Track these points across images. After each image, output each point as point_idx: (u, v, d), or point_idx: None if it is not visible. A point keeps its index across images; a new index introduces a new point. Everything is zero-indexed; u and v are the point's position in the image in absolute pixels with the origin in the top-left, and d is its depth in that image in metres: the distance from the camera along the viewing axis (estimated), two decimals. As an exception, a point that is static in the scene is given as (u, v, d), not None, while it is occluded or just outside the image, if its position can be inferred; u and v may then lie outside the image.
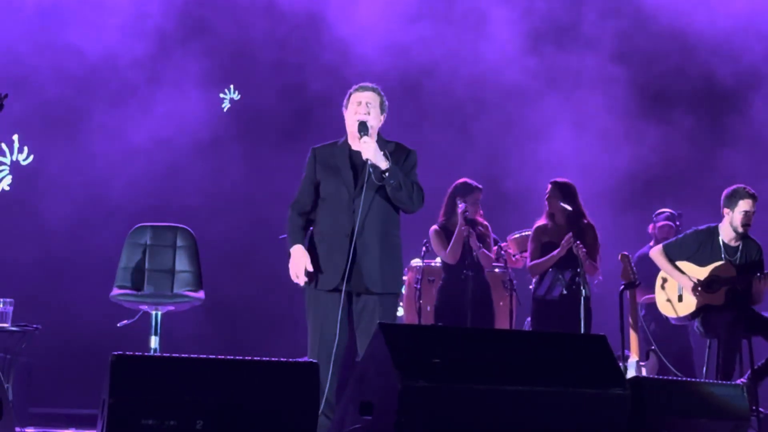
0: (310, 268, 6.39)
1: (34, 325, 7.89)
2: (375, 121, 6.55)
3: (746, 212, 8.38)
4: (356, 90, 6.64)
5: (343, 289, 6.33)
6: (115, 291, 8.02)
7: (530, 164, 11.27)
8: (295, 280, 6.43)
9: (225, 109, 11.43)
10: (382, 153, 6.38)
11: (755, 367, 8.21)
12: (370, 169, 6.36)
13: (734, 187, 8.53)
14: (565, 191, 9.04)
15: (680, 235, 8.93)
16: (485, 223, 9.39)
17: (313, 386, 5.09)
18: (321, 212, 6.54)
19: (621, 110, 11.67)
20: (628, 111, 11.72)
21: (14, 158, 10.78)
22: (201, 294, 8.09)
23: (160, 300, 7.95)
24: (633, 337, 9.03)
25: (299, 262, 6.41)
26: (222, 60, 11.38)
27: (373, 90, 6.62)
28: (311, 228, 6.63)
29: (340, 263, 6.36)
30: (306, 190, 6.60)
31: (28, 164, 10.75)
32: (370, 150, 6.36)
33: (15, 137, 10.75)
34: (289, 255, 6.47)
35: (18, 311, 7.85)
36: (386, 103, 6.66)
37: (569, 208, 8.93)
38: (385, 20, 11.30)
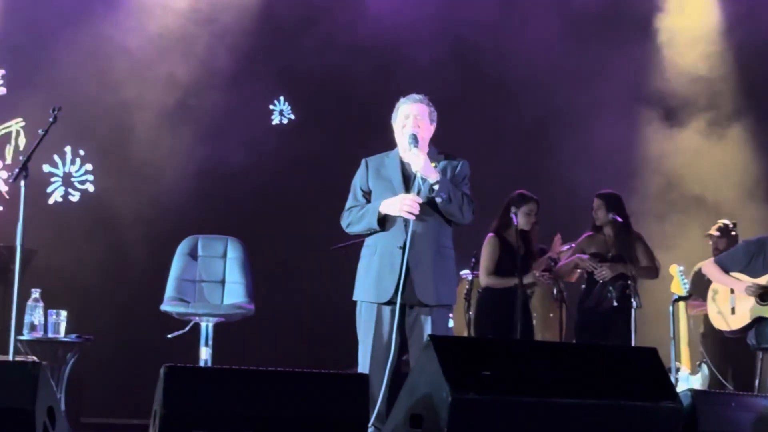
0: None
1: (87, 336, 7.94)
2: (425, 133, 6.57)
3: None
4: (404, 102, 6.65)
5: (398, 301, 6.34)
6: (166, 302, 8.06)
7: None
8: (413, 204, 6.33)
9: (273, 122, 11.46)
10: (432, 165, 6.40)
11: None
12: (420, 182, 6.37)
13: None
14: (613, 203, 9.00)
15: (731, 249, 8.87)
16: (535, 236, 9.29)
17: (363, 398, 5.09)
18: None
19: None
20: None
21: (66, 170, 10.86)
22: (251, 305, 8.11)
23: (211, 311, 7.98)
24: (684, 350, 8.97)
25: (397, 199, 6.37)
26: (274, 70, 11.39)
27: (421, 101, 6.63)
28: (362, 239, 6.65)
29: (392, 276, 6.36)
30: (357, 200, 6.62)
31: (83, 176, 10.83)
32: (419, 162, 6.37)
33: (67, 149, 10.83)
34: (379, 221, 6.42)
35: (71, 322, 7.91)
36: (435, 113, 6.67)
37: (620, 219, 8.89)
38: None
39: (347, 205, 6.65)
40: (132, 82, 10.86)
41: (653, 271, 8.92)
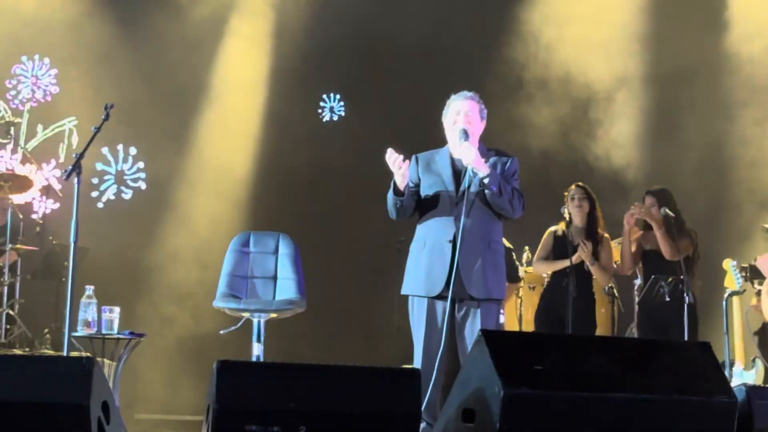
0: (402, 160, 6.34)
1: (140, 333, 7.99)
2: (475, 128, 6.60)
3: None
4: (455, 99, 6.70)
5: (449, 295, 6.35)
6: (218, 299, 8.09)
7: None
8: (397, 163, 6.33)
9: (324, 119, 11.47)
10: (483, 160, 6.40)
11: None
12: (471, 174, 6.38)
13: None
14: (665, 198, 8.94)
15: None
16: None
17: (415, 393, 5.09)
18: (422, 218, 6.57)
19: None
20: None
21: (119, 167, 10.95)
22: (303, 301, 8.12)
23: (263, 307, 8.00)
24: (738, 345, 8.90)
25: (390, 160, 6.35)
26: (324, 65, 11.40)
27: (472, 98, 6.68)
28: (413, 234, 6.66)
29: (443, 269, 6.38)
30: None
31: (135, 174, 10.90)
32: (471, 155, 6.39)
33: (120, 146, 10.91)
34: (395, 185, 6.43)
35: (124, 318, 7.97)
36: (485, 110, 6.72)
37: (672, 214, 8.82)
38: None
39: None
40: (183, 78, 10.91)
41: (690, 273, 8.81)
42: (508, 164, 6.61)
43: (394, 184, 6.45)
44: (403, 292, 6.62)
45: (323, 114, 11.50)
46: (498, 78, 11.06)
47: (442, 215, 6.48)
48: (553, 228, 8.98)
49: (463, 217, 6.37)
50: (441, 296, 6.40)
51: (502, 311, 9.41)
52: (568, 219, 8.69)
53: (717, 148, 11.10)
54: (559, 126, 11.32)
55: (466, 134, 6.48)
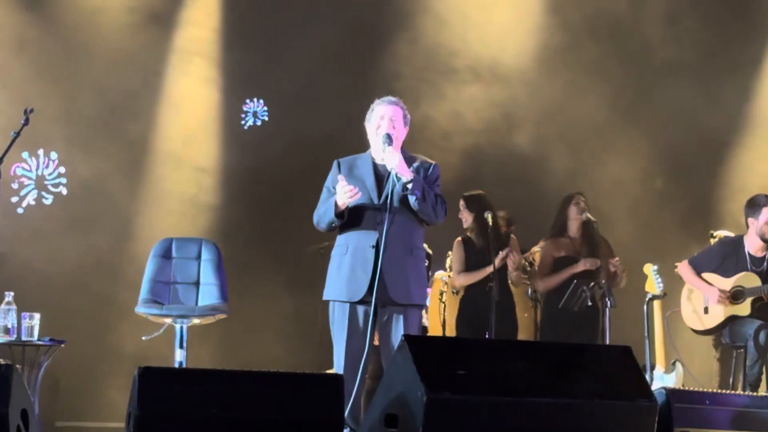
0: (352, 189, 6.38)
1: (60, 339, 7.91)
2: (399, 133, 6.63)
3: None
4: (379, 104, 6.73)
5: (372, 300, 6.36)
6: (140, 304, 8.03)
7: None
8: (349, 194, 6.38)
9: (246, 126, 11.38)
10: (405, 163, 6.43)
11: (782, 377, 8.19)
12: (395, 179, 6.40)
13: (754, 196, 8.54)
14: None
15: (705, 249, 8.90)
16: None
17: (338, 398, 5.08)
18: (345, 224, 6.57)
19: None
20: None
21: (39, 172, 10.81)
22: (226, 307, 8.09)
23: (185, 313, 7.96)
24: (659, 348, 9.00)
25: (343, 190, 6.39)
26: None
27: (396, 104, 6.71)
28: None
29: (365, 275, 6.39)
30: (328, 200, 6.63)
31: (56, 179, 10.76)
32: (394, 160, 6.42)
33: (40, 151, 10.77)
34: (336, 208, 6.46)
35: (44, 325, 7.88)
36: (408, 116, 6.76)
37: (594, 219, 8.90)
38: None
39: (318, 205, 6.68)
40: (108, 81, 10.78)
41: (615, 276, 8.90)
42: (431, 170, 6.65)
43: (336, 205, 6.45)
44: (325, 297, 6.63)
45: (246, 118, 11.41)
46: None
47: (365, 221, 6.49)
48: (459, 238, 9.05)
49: (386, 222, 6.39)
50: (363, 301, 6.42)
51: (425, 316, 9.45)
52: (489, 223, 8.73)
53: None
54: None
55: (390, 139, 6.50)
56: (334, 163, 6.73)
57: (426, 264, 8.91)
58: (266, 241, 10.88)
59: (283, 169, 10.87)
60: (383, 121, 6.62)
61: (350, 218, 6.54)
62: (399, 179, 6.42)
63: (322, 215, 6.58)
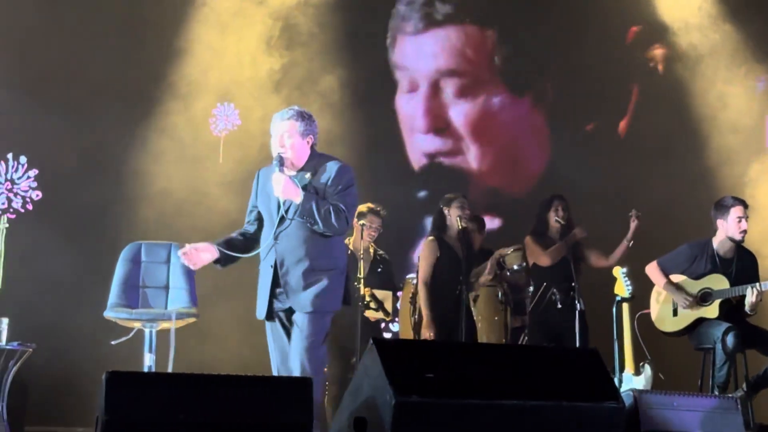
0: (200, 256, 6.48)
1: (29, 344, 7.88)
2: (296, 151, 6.44)
3: (740, 218, 8.40)
4: (274, 120, 6.54)
5: (281, 312, 6.44)
6: (109, 309, 8.00)
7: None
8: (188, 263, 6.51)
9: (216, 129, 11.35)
10: (294, 186, 6.30)
11: (750, 379, 8.22)
12: (281, 204, 6.36)
13: (721, 197, 8.59)
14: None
15: (674, 251, 8.93)
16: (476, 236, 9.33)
17: (306, 402, 5.09)
18: (261, 239, 6.61)
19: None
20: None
21: (9, 177, 10.76)
22: (195, 311, 8.07)
23: (154, 317, 7.94)
24: (628, 351, 9.02)
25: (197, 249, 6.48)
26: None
27: (290, 119, 6.46)
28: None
29: (265, 293, 6.46)
30: (248, 218, 6.71)
31: (27, 183, 10.71)
32: (279, 189, 6.30)
33: (9, 155, 10.72)
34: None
35: (12, 330, 7.85)
36: (311, 124, 6.52)
37: (563, 222, 8.96)
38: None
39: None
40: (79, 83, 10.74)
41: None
42: (331, 178, 6.42)
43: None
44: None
45: (216, 124, 11.37)
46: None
47: (267, 238, 6.47)
48: (432, 237, 9.03)
49: (283, 239, 6.38)
50: (273, 316, 6.48)
51: (396, 319, 9.45)
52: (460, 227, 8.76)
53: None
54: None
55: (281, 162, 6.36)
56: (256, 174, 6.68)
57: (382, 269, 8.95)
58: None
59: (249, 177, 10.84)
60: (275, 140, 6.46)
61: (262, 233, 6.56)
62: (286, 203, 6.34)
63: None
